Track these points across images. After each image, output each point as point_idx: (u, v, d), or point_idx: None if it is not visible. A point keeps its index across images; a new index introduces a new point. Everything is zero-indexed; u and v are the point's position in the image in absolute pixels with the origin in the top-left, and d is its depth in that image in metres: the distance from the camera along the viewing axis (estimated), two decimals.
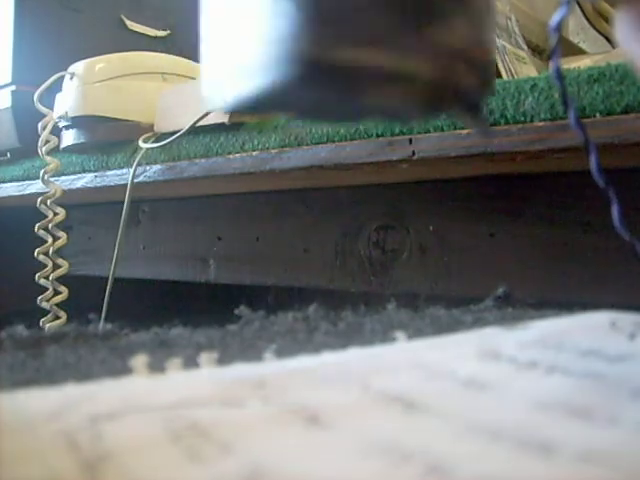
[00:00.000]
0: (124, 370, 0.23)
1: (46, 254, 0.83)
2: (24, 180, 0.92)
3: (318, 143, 0.61)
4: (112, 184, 0.80)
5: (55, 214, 0.82)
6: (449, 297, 0.67)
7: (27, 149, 0.90)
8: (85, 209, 1.03)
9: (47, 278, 0.83)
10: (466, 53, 0.19)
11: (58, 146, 0.83)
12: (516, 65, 0.77)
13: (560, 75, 0.28)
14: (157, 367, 0.23)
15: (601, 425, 0.17)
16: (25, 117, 0.91)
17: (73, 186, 0.84)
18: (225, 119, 0.67)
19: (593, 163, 0.28)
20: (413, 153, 0.54)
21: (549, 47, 0.30)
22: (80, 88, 0.81)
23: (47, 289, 0.83)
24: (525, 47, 0.84)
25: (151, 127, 0.76)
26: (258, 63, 0.19)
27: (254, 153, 0.65)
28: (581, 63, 0.60)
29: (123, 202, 0.76)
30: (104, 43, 0.93)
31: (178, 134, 0.69)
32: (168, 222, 0.95)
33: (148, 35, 1.07)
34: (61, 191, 0.82)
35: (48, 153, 0.82)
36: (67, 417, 0.18)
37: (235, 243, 0.86)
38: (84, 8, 1.02)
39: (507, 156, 0.52)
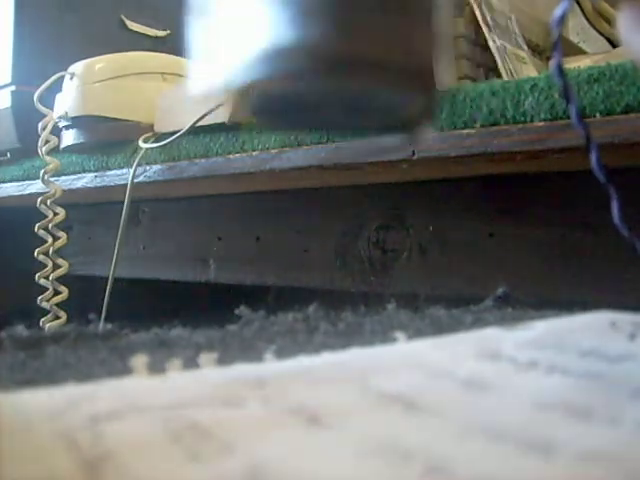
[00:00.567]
0: (124, 370, 0.23)
1: (46, 254, 0.83)
2: (24, 180, 0.92)
3: (318, 143, 0.61)
4: (112, 184, 0.80)
5: (55, 214, 0.82)
6: (449, 297, 0.67)
7: (27, 149, 0.90)
8: (85, 209, 1.03)
9: (47, 278, 0.83)
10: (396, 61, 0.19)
11: (58, 146, 0.83)
12: (516, 65, 0.77)
13: (561, 71, 0.28)
14: (157, 367, 0.23)
15: (601, 425, 0.17)
16: (25, 117, 0.91)
17: (73, 186, 0.84)
18: (225, 119, 0.67)
19: (593, 159, 0.28)
20: (413, 153, 0.54)
21: (549, 46, 0.30)
22: (80, 88, 0.81)
23: (47, 289, 0.83)
24: (525, 47, 0.84)
25: (151, 127, 0.76)
26: (248, 59, 0.19)
27: (254, 153, 0.65)
28: (581, 63, 0.60)
29: (123, 202, 0.76)
30: (104, 43, 0.93)
31: (178, 134, 0.69)
32: (168, 222, 0.95)
33: (148, 35, 1.07)
34: (61, 191, 0.82)
35: (48, 153, 0.82)
36: (67, 417, 0.18)
37: (235, 243, 0.86)
38: (84, 8, 1.02)
39: (507, 156, 0.52)
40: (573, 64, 0.58)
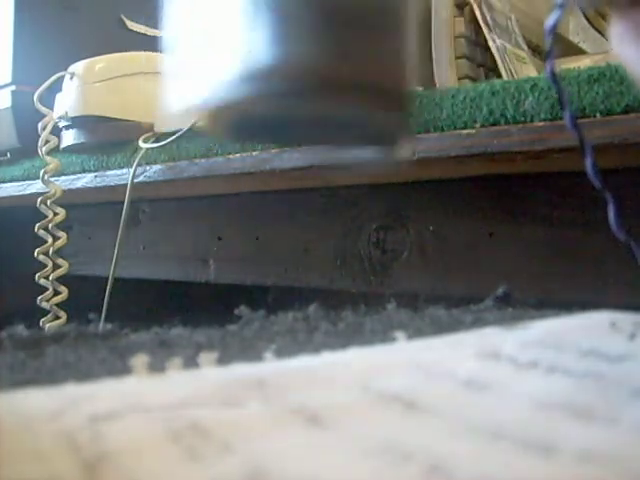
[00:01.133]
0: (124, 370, 0.23)
1: (46, 254, 0.83)
2: (24, 180, 0.92)
3: None
4: (112, 184, 0.80)
5: (55, 214, 0.82)
6: (449, 297, 0.67)
7: (27, 149, 0.90)
8: (85, 209, 1.03)
9: (47, 278, 0.83)
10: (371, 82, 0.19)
11: (58, 146, 0.83)
12: (516, 65, 0.77)
13: (555, 77, 0.29)
14: (157, 367, 0.23)
15: (601, 425, 0.17)
16: (25, 117, 0.91)
17: (73, 186, 0.84)
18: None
19: (589, 164, 0.28)
20: (413, 153, 0.54)
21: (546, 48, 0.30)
22: (80, 88, 0.81)
23: (47, 289, 0.83)
24: (525, 47, 0.84)
25: (151, 127, 0.76)
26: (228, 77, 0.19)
27: (254, 153, 0.65)
28: (581, 63, 0.60)
29: (123, 202, 0.76)
30: (104, 43, 0.93)
31: (178, 134, 0.69)
32: (168, 222, 0.95)
33: (148, 35, 1.07)
34: (61, 191, 0.82)
35: (48, 153, 0.82)
36: (67, 417, 0.18)
37: (235, 243, 0.86)
38: (84, 8, 1.02)
39: (507, 156, 0.52)
40: (573, 64, 0.58)
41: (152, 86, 0.80)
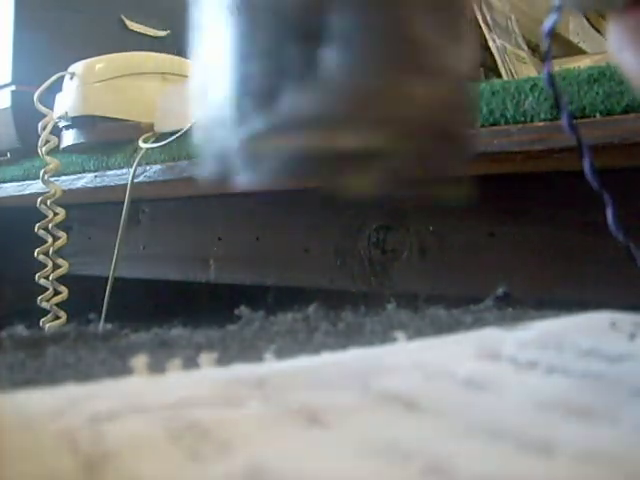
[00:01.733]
0: (124, 370, 0.23)
1: (46, 254, 0.83)
2: (24, 180, 0.92)
3: None
4: (112, 184, 0.80)
5: (55, 214, 0.82)
6: (449, 297, 0.67)
7: (27, 149, 0.91)
8: (85, 209, 1.03)
9: (47, 278, 0.83)
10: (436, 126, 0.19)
11: (58, 146, 0.83)
12: (516, 65, 0.77)
13: (552, 80, 0.29)
14: (157, 367, 0.23)
15: (601, 425, 0.17)
16: (25, 117, 0.91)
17: (73, 186, 0.84)
18: None
19: (587, 166, 0.28)
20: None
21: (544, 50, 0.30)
22: (80, 88, 0.81)
23: (47, 289, 0.83)
24: (525, 47, 0.84)
25: (151, 127, 0.76)
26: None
27: None
28: (581, 63, 0.60)
29: (123, 202, 0.76)
30: (104, 43, 0.93)
31: (178, 134, 0.69)
32: (168, 222, 0.95)
33: (148, 35, 1.07)
34: (61, 191, 0.82)
35: (48, 153, 0.82)
36: (67, 417, 0.18)
37: (235, 243, 0.86)
38: (84, 8, 1.02)
39: (507, 156, 0.52)
40: (573, 64, 0.58)
41: (152, 86, 0.80)
